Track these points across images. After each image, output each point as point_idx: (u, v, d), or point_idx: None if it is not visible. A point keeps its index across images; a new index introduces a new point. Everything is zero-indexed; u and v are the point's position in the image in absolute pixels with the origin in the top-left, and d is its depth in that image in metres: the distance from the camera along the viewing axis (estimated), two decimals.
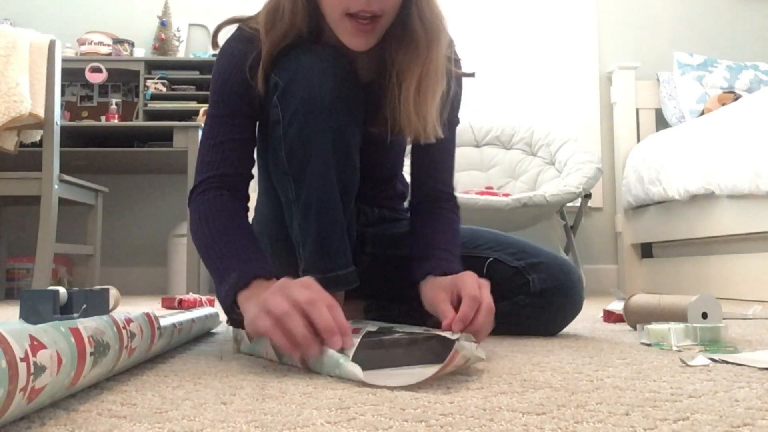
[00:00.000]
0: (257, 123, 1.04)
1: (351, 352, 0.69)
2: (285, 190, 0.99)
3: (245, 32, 1.01)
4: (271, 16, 0.96)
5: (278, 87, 0.95)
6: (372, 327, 0.85)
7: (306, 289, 0.73)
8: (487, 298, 0.84)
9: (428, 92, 0.96)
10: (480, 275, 1.10)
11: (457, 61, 1.08)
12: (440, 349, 0.74)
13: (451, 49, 1.05)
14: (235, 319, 0.91)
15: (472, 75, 1.10)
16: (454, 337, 0.75)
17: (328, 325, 0.69)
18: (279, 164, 0.98)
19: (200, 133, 2.64)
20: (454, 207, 1.12)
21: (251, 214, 1.25)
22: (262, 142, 1.06)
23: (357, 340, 0.71)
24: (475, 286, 0.85)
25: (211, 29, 3.37)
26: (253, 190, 1.30)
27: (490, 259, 1.11)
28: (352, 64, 1.00)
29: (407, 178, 1.35)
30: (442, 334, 0.77)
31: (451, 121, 1.08)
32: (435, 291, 0.91)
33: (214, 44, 1.06)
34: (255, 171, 1.08)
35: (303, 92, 0.93)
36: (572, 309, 1.11)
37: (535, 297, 1.08)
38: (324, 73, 0.93)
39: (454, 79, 1.04)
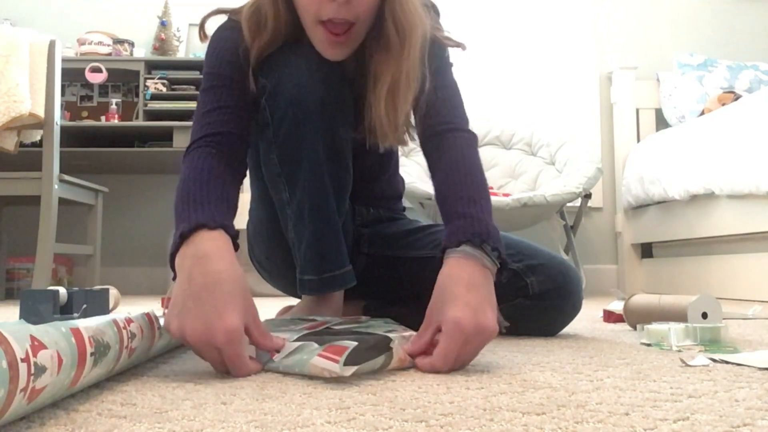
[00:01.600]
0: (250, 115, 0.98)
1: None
2: (278, 191, 0.99)
3: (235, 23, 0.98)
4: (254, 22, 0.94)
5: (266, 89, 0.93)
6: (347, 326, 0.85)
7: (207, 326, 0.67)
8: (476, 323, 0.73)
9: (399, 97, 0.92)
10: None
11: (440, 32, 1.04)
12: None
13: (436, 18, 1.03)
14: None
15: (460, 46, 1.04)
16: (392, 344, 0.73)
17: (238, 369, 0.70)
18: (271, 166, 0.98)
19: None
20: (468, 137, 0.97)
21: (245, 219, 1.25)
22: (253, 146, 1.05)
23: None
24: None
25: (211, 29, 3.36)
26: (246, 190, 1.30)
27: None
28: (339, 62, 0.97)
29: (404, 177, 1.34)
30: (394, 336, 0.75)
31: (446, 67, 1.03)
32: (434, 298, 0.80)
33: (202, 36, 1.03)
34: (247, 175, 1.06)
35: (292, 93, 0.91)
36: (571, 310, 1.10)
37: (534, 299, 1.07)
38: (312, 74, 0.92)
39: (438, 47, 1.00)
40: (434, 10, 1.05)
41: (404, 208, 1.35)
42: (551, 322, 1.10)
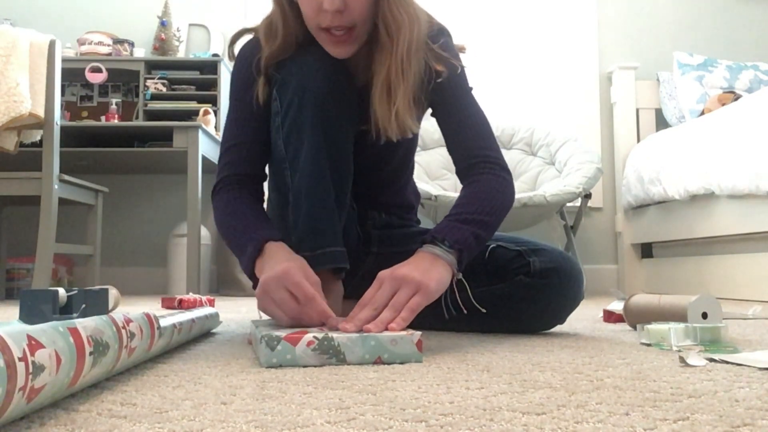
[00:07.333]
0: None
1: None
2: (284, 178, 1.03)
3: (254, 38, 1.10)
4: (267, 32, 1.04)
5: (277, 81, 1.02)
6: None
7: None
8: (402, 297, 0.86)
9: (393, 91, 0.99)
10: (482, 260, 1.11)
11: (449, 47, 1.09)
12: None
13: (440, 38, 1.08)
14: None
15: (455, 66, 1.09)
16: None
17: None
18: (278, 154, 1.03)
19: (200, 132, 2.67)
20: (489, 169, 1.05)
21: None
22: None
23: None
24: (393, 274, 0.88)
25: (211, 29, 3.38)
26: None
27: (492, 245, 1.14)
28: (347, 64, 1.03)
29: (420, 185, 1.35)
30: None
31: (466, 90, 1.13)
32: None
33: (231, 56, 1.13)
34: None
35: (297, 82, 0.99)
36: (571, 294, 1.10)
37: (534, 277, 1.09)
38: (317, 66, 0.99)
39: (442, 62, 1.06)
40: (444, 33, 1.10)
41: (419, 221, 1.35)
42: (552, 304, 1.10)
